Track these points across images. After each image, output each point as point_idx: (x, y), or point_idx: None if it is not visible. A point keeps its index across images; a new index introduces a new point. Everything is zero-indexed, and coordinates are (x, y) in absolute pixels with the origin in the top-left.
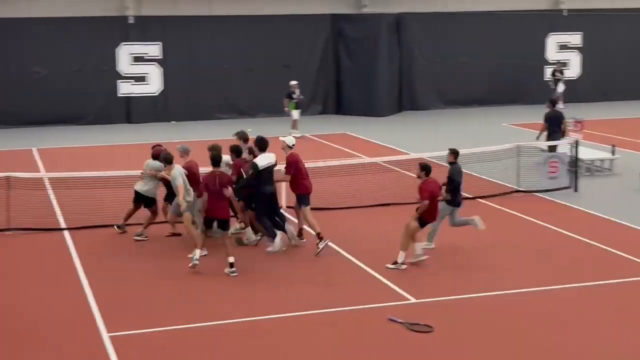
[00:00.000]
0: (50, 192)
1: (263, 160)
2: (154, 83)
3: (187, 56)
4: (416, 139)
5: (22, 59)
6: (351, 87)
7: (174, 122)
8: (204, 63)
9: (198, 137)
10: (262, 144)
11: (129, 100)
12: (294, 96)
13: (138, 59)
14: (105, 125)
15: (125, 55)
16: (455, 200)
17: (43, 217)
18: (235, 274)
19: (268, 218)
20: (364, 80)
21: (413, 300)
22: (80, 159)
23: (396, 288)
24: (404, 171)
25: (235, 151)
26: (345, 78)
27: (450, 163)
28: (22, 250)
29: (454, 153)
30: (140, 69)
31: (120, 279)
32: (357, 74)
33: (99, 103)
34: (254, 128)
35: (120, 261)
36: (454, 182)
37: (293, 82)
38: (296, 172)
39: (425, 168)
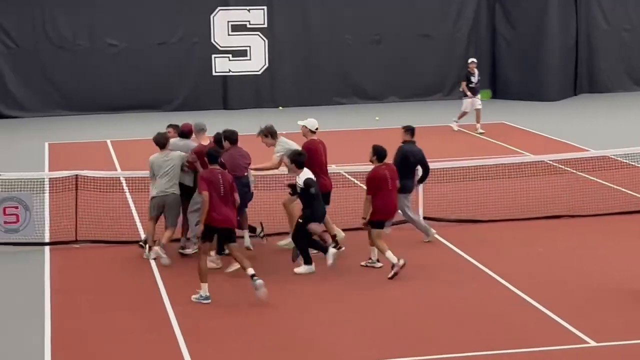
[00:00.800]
0: (128, 194)
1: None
2: (256, 59)
3: (298, 24)
4: (597, 131)
5: (93, 28)
6: (510, 64)
7: (281, 107)
8: (319, 33)
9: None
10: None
11: (225, 80)
12: (473, 79)
13: (237, 28)
14: (195, 112)
15: (221, 23)
16: (405, 186)
17: (118, 226)
18: (260, 284)
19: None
20: (528, 56)
21: (593, 343)
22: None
23: (570, 327)
24: (580, 173)
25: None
26: (503, 52)
27: (405, 142)
28: (93, 268)
29: (410, 130)
30: (240, 41)
31: (209, 308)
32: (518, 47)
33: (188, 84)
34: (381, 116)
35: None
36: (409, 165)
37: (472, 60)
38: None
39: (377, 152)
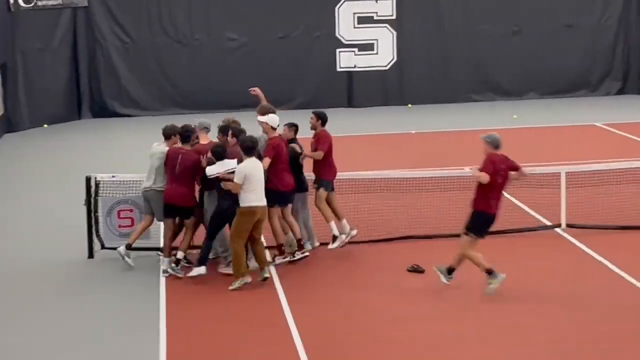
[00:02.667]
0: None
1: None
2: (384, 53)
3: (429, 15)
4: None
5: (211, 21)
6: None
7: (410, 105)
8: (452, 25)
9: (442, 127)
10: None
11: (350, 76)
12: None
13: (364, 20)
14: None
15: (347, 15)
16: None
17: None
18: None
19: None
20: None
21: None
22: None
23: None
24: None
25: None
26: None
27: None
28: (213, 272)
29: (294, 126)
30: (366, 34)
31: (329, 321)
32: None
33: (311, 80)
34: (520, 114)
35: (322, 286)
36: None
37: None
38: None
39: (320, 116)
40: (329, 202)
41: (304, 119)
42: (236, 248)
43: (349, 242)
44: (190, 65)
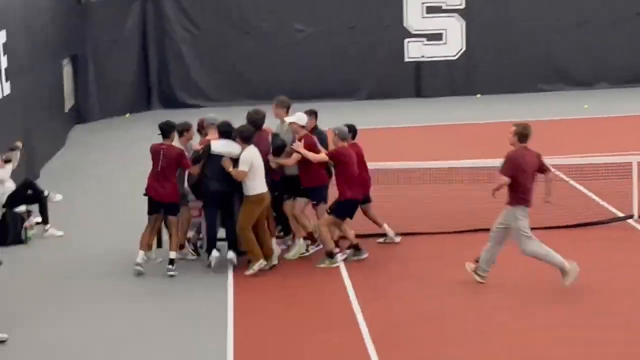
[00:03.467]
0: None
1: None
2: (452, 43)
3: (500, 4)
4: None
5: (279, 12)
6: None
7: (479, 95)
8: (522, 13)
9: (511, 117)
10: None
11: (418, 66)
12: None
13: (433, 10)
14: (387, 101)
15: (415, 5)
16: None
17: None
18: (173, 274)
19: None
20: None
21: None
22: None
23: None
24: None
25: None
26: None
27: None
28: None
29: (313, 113)
30: (435, 24)
31: (394, 311)
32: None
33: (379, 70)
34: (590, 104)
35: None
36: None
37: None
38: None
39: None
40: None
41: (371, 110)
42: (247, 235)
43: (419, 234)
44: (258, 56)
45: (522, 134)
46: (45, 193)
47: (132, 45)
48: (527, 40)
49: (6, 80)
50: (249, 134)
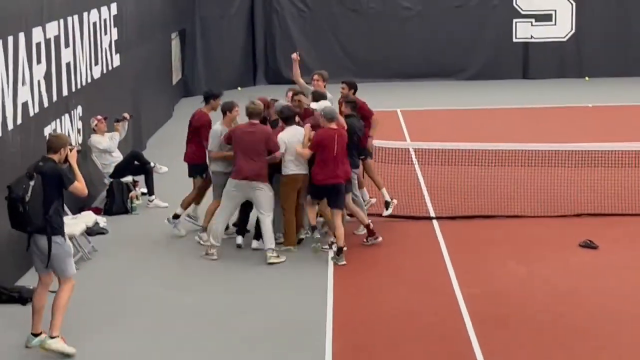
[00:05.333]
0: (417, 167)
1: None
2: (562, 24)
3: None
4: None
5: None
6: None
7: (587, 78)
8: None
9: (620, 101)
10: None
11: (526, 47)
12: None
13: None
14: (493, 81)
15: None
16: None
17: (407, 200)
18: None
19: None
20: None
21: None
22: (456, 124)
23: None
24: None
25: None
26: None
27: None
28: (380, 244)
29: (351, 102)
30: (545, 4)
31: (499, 295)
32: None
33: (486, 51)
34: None
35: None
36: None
37: None
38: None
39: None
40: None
41: (478, 91)
42: (288, 217)
43: (524, 216)
44: (365, 34)
45: None
46: (152, 164)
47: (240, 21)
48: (638, 23)
49: (116, 53)
50: (287, 114)
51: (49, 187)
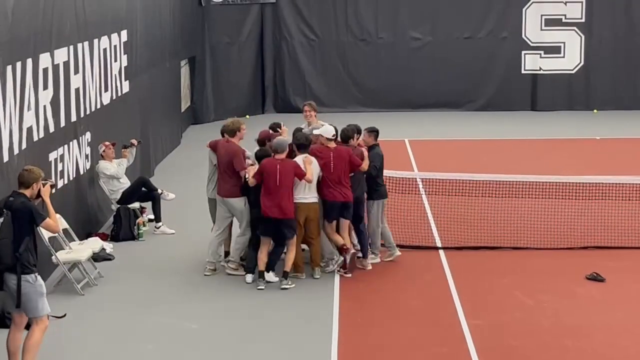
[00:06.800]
0: (424, 197)
1: None
2: (571, 56)
3: (621, 19)
4: None
5: (397, 20)
6: None
7: (595, 110)
8: None
9: (628, 134)
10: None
11: (535, 79)
12: None
13: (552, 23)
14: (501, 112)
15: (534, 17)
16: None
17: (414, 229)
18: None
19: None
20: None
21: None
22: (464, 155)
23: None
24: None
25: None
26: None
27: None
28: (386, 273)
29: (374, 131)
30: (553, 37)
31: (509, 327)
32: None
33: (495, 82)
34: None
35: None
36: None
37: None
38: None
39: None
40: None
41: (483, 122)
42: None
43: (531, 248)
44: (374, 63)
45: None
46: (159, 191)
47: (249, 48)
48: None
49: (125, 79)
50: (302, 142)
51: (19, 224)
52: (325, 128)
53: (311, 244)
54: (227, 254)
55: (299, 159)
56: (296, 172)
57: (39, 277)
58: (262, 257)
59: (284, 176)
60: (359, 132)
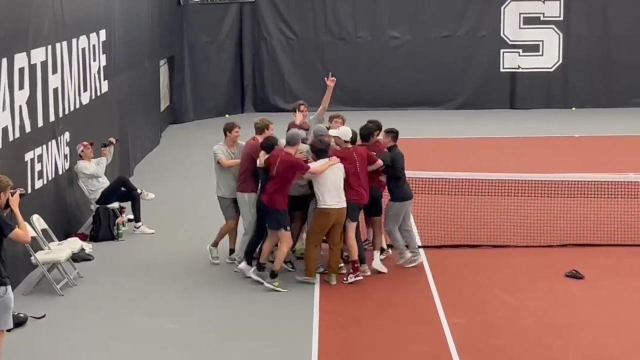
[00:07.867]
0: None
1: None
2: (549, 54)
3: (598, 17)
4: None
5: (375, 19)
6: None
7: (574, 108)
8: (620, 27)
9: (606, 132)
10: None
11: (513, 77)
12: None
13: (530, 21)
14: (480, 111)
15: (512, 15)
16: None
17: None
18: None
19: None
20: None
21: None
22: (444, 153)
23: None
24: None
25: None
26: None
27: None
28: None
29: (392, 132)
30: (532, 35)
31: (486, 325)
32: None
33: (474, 80)
34: None
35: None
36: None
37: None
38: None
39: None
40: None
41: (465, 119)
42: (308, 249)
43: (510, 246)
44: (353, 62)
45: None
46: (139, 191)
47: (228, 48)
48: (625, 55)
49: (104, 79)
50: (320, 147)
51: None
52: (344, 130)
53: (332, 250)
54: (231, 251)
55: (319, 163)
56: (296, 168)
57: (9, 290)
58: (265, 250)
59: (282, 169)
60: (379, 128)
